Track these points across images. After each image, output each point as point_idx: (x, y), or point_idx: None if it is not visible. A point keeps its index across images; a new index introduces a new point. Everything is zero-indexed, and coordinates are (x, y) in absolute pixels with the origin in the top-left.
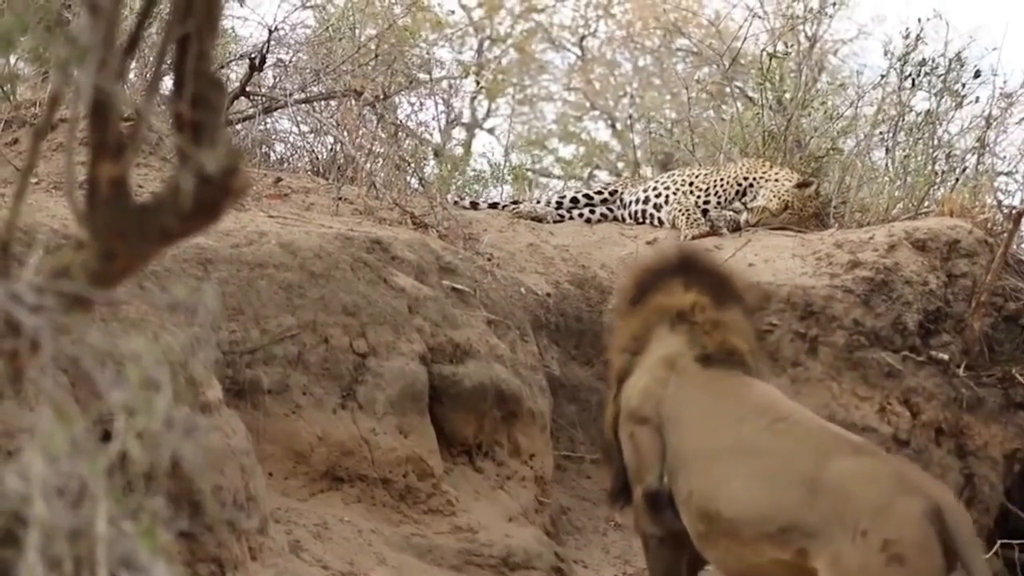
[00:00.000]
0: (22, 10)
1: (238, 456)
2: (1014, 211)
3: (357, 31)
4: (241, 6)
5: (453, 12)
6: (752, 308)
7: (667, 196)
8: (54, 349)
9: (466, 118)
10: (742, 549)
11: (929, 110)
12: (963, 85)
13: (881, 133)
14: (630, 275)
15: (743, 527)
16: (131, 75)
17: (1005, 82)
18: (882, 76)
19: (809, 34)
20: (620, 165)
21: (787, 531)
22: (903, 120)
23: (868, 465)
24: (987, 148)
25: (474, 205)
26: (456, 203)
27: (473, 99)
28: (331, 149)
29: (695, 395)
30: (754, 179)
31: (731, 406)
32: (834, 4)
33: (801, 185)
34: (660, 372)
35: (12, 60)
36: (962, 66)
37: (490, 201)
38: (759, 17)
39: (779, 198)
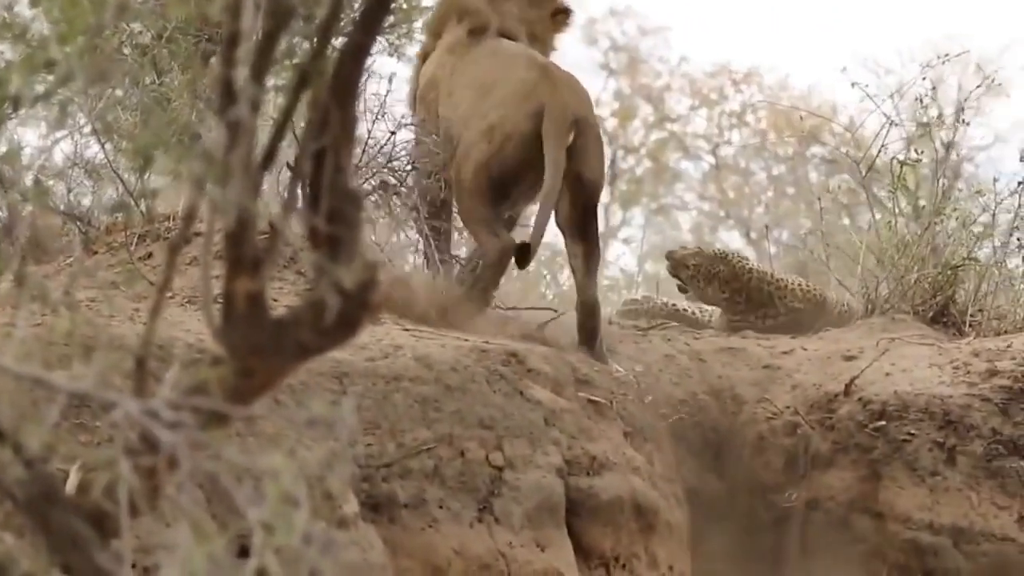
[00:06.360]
0: (159, 127)
1: (375, 571)
2: None
3: None
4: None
5: None
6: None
7: None
8: (191, 465)
9: (601, 227)
10: None
11: None
12: None
13: (1018, 239)
14: None
15: None
16: (265, 187)
17: None
18: (1020, 183)
19: (945, 140)
20: None
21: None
22: None
23: (520, 72)
24: None
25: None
26: None
27: (607, 208)
28: None
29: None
30: None
31: (474, 58)
32: (970, 110)
33: None
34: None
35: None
36: None
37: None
38: (896, 124)
39: None
